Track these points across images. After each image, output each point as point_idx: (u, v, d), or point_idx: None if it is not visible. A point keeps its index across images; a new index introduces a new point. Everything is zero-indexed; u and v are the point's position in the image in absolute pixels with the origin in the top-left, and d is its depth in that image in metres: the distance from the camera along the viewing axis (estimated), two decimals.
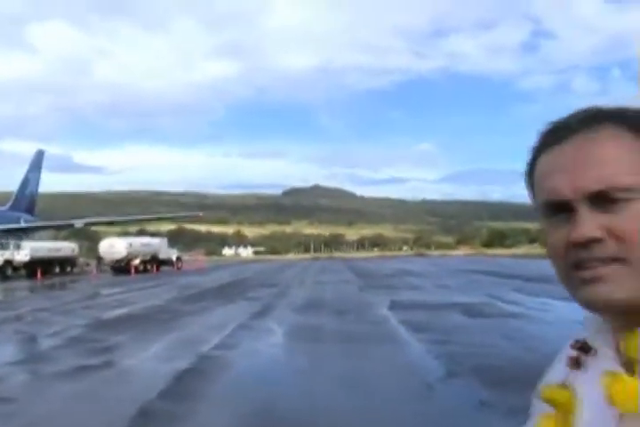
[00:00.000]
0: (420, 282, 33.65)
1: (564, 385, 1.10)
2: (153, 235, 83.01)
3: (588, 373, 1.08)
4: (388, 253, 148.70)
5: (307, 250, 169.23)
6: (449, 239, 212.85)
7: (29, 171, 78.26)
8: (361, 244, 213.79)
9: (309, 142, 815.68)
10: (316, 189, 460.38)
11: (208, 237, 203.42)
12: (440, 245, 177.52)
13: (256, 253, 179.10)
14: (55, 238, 70.99)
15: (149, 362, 11.74)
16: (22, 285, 41.03)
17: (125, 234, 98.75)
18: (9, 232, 59.25)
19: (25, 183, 77.12)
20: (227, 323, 16.93)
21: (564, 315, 17.93)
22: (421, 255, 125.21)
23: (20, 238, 57.66)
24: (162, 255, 63.81)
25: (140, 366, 11.38)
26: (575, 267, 1.00)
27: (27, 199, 77.10)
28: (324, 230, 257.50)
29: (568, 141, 1.04)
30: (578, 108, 1.08)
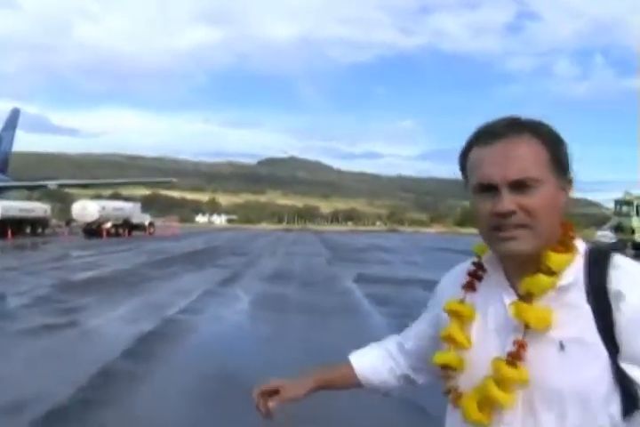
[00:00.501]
0: (389, 257, 33.94)
1: (462, 300, 1.76)
2: (127, 199, 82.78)
3: (481, 294, 1.75)
4: (361, 228, 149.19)
5: (280, 221, 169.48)
6: (423, 216, 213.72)
7: (3, 129, 77.37)
8: (335, 217, 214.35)
9: (288, 113, 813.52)
10: (293, 161, 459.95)
11: (182, 204, 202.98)
12: (413, 222, 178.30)
13: (229, 221, 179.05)
14: (28, 199, 70.60)
15: (114, 323, 11.89)
16: None
17: (98, 197, 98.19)
18: None
19: None
20: (194, 289, 17.09)
21: None
22: (394, 231, 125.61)
23: None
24: (134, 220, 63.81)
25: (104, 327, 11.52)
26: (495, 229, 1.59)
27: None
28: (299, 202, 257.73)
29: (499, 141, 1.60)
30: (504, 116, 1.67)
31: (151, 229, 66.37)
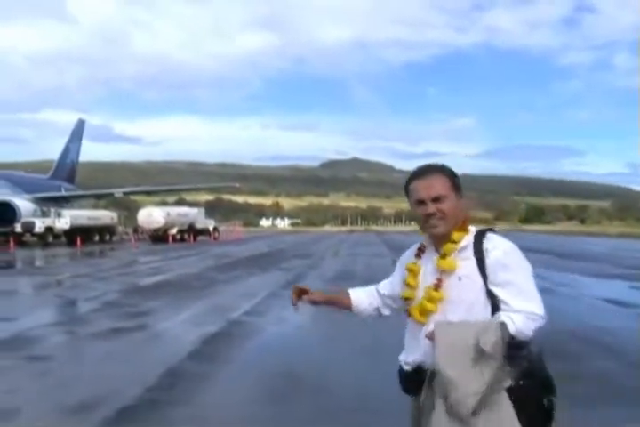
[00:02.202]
0: None
1: (414, 263, 3.28)
2: (191, 205, 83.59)
3: (423, 259, 3.27)
4: None
5: (343, 222, 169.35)
6: (486, 215, 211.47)
7: (70, 140, 79.07)
8: (398, 217, 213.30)
9: (346, 115, 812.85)
10: (355, 162, 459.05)
11: (245, 209, 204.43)
12: (477, 221, 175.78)
13: (293, 224, 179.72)
14: (95, 207, 72.02)
15: (180, 326, 12.12)
16: (62, 252, 41.85)
17: (163, 204, 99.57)
18: (50, 200, 60.28)
19: (66, 152, 78.00)
20: (258, 291, 17.29)
21: (590, 291, 18.06)
22: None
23: (61, 207, 58.62)
24: (199, 225, 64.50)
25: (171, 329, 11.76)
26: (426, 222, 3.13)
27: (67, 168, 78.06)
28: (362, 203, 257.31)
29: (423, 177, 3.15)
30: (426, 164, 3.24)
31: (216, 234, 66.96)
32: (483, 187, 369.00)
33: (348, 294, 3.66)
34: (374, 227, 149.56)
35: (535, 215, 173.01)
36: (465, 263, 3.08)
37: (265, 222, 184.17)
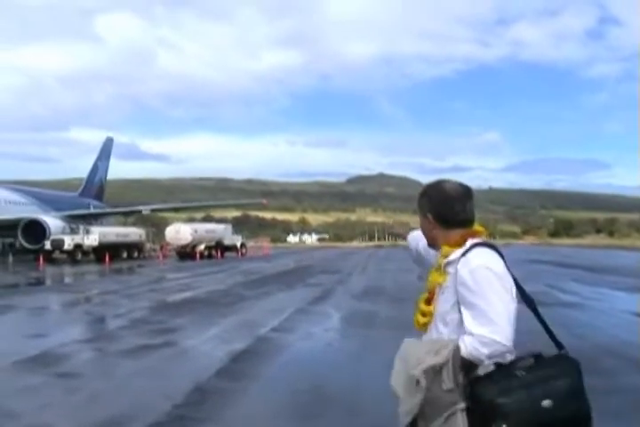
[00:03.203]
0: None
1: (432, 271, 3.28)
2: (219, 221, 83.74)
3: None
4: None
5: (371, 238, 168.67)
6: (515, 228, 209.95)
7: (99, 158, 79.82)
8: None
9: (372, 131, 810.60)
10: (381, 177, 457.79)
11: (273, 225, 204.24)
12: (505, 234, 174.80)
13: (320, 240, 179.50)
14: (123, 224, 72.42)
15: (208, 343, 12.14)
16: (91, 269, 42.07)
17: (191, 220, 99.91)
18: (79, 218, 60.80)
19: (94, 170, 78.76)
20: (286, 307, 17.31)
21: (619, 305, 17.89)
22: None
23: (90, 224, 59.08)
24: (226, 241, 64.50)
25: (199, 346, 11.78)
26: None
27: (96, 186, 78.81)
28: (389, 218, 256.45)
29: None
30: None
31: (243, 250, 67.01)
32: (510, 201, 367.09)
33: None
34: (402, 242, 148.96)
35: (563, 229, 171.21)
36: (449, 278, 3.10)
37: (292, 238, 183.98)
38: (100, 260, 50.13)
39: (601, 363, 9.50)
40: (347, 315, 16.10)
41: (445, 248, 3.19)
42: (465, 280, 3.01)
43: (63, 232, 53.31)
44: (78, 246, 51.33)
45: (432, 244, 3.36)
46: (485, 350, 2.89)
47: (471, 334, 2.93)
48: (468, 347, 2.92)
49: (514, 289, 3.07)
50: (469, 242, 3.15)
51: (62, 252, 51.65)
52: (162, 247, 63.27)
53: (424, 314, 3.24)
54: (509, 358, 2.96)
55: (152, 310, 17.55)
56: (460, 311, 3.04)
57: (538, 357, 3.02)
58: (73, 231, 53.15)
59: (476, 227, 3.28)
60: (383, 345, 10.87)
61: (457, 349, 2.92)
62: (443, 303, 3.13)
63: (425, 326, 3.25)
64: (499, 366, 2.94)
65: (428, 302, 3.22)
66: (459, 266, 3.05)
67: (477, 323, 2.93)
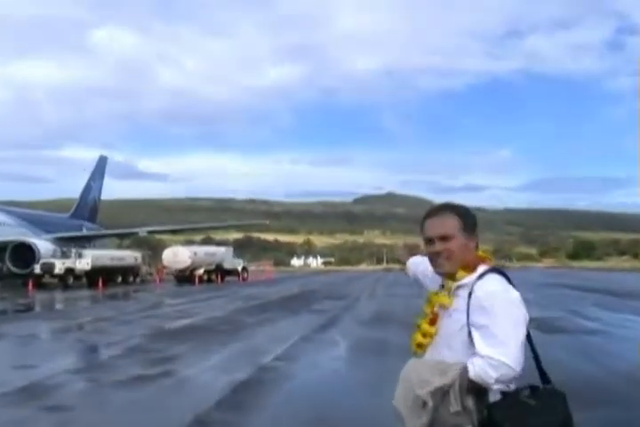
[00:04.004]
0: None
1: (436, 293, 3.43)
2: (219, 244, 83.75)
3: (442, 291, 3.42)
4: None
5: (379, 261, 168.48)
6: (532, 250, 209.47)
7: (92, 177, 79.82)
8: None
9: (380, 148, 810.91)
10: (390, 197, 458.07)
11: (276, 247, 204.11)
12: (522, 257, 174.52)
13: (326, 263, 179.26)
14: (118, 247, 72.49)
15: (208, 372, 12.09)
16: (84, 294, 42.06)
17: (190, 243, 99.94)
18: (71, 240, 60.82)
19: (87, 190, 78.74)
20: (290, 335, 17.25)
21: None
22: (501, 267, 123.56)
23: (83, 246, 59.10)
24: (227, 265, 64.39)
25: (198, 376, 11.73)
26: (432, 260, 3.41)
27: (89, 207, 78.77)
28: (398, 241, 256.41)
29: (435, 216, 3.39)
30: (441, 203, 3.56)
31: (244, 275, 66.87)
32: (526, 221, 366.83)
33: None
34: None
35: (584, 251, 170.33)
36: (458, 300, 3.26)
37: (296, 261, 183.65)
38: (92, 285, 50.12)
39: (623, 394, 9.43)
40: (354, 343, 16.07)
41: (460, 272, 3.31)
42: (480, 302, 3.14)
43: (54, 256, 53.32)
44: (70, 271, 51.25)
45: (438, 270, 3.45)
46: (494, 373, 3.00)
47: (480, 355, 3.04)
48: (476, 368, 3.03)
49: (527, 317, 3.19)
50: (482, 267, 3.32)
51: (53, 276, 51.56)
52: (159, 271, 63.26)
53: (425, 335, 3.38)
54: (512, 386, 3.09)
55: (148, 337, 17.49)
56: (468, 335, 3.15)
57: (534, 388, 3.16)
58: (64, 255, 53.11)
59: (481, 252, 3.48)
60: (393, 374, 10.83)
61: (464, 370, 3.04)
62: (448, 326, 3.27)
63: (422, 348, 3.40)
64: (504, 394, 3.06)
65: (432, 322, 3.36)
66: (475, 288, 3.19)
67: (487, 344, 3.05)
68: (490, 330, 3.06)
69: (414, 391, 3.07)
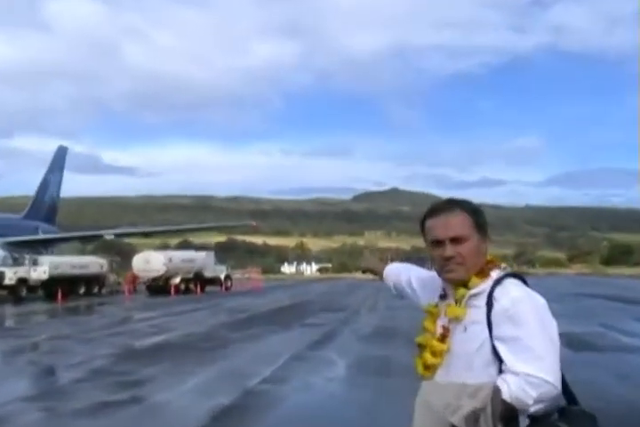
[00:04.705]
0: None
1: (436, 305, 3.45)
2: (198, 248, 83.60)
3: (445, 302, 3.38)
4: None
5: None
6: (559, 255, 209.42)
7: (49, 172, 79.35)
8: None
9: (383, 138, 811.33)
10: (395, 194, 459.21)
11: (264, 252, 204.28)
12: (547, 262, 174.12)
13: (322, 270, 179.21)
14: (81, 253, 72.29)
15: (185, 398, 12.04)
16: (40, 308, 41.95)
17: (165, 247, 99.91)
18: (24, 245, 60.25)
19: (44, 187, 78.25)
20: (280, 353, 17.29)
21: None
22: (523, 275, 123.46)
23: (39, 252, 58.70)
24: (207, 273, 64.27)
25: (174, 402, 11.68)
26: (443, 266, 3.29)
27: (46, 205, 78.28)
28: (405, 243, 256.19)
29: (441, 215, 3.33)
30: (445, 199, 3.49)
31: (228, 284, 66.77)
32: (553, 221, 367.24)
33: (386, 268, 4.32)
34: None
35: (620, 255, 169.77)
36: (474, 311, 3.20)
37: (288, 268, 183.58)
38: (50, 297, 49.88)
39: None
40: (354, 362, 16.08)
41: (474, 279, 3.26)
42: (507, 312, 3.08)
43: (3, 263, 52.91)
44: (23, 281, 50.90)
45: (450, 277, 3.35)
46: (533, 392, 2.92)
47: (515, 373, 2.97)
48: (512, 388, 2.95)
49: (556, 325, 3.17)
50: (495, 272, 3.30)
51: (2, 287, 51.30)
52: (128, 281, 63.14)
53: (435, 353, 3.30)
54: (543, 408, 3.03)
55: (115, 358, 17.44)
56: (492, 351, 3.09)
57: (561, 410, 3.09)
58: (16, 262, 52.76)
59: (490, 256, 3.43)
60: (398, 397, 10.81)
61: (497, 391, 2.95)
62: (465, 343, 3.19)
63: (432, 369, 3.32)
64: (533, 418, 3.01)
65: (442, 339, 3.29)
66: (496, 296, 3.15)
67: (521, 359, 2.98)
68: (523, 343, 3.00)
69: (442, 418, 3.00)
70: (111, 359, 17.14)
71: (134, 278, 62.65)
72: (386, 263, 4.39)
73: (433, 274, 3.61)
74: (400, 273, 4.08)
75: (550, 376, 2.94)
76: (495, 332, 3.07)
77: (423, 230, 3.41)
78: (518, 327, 3.02)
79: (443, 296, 3.42)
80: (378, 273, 4.37)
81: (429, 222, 3.36)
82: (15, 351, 19.87)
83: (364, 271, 4.66)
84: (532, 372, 2.93)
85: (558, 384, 2.97)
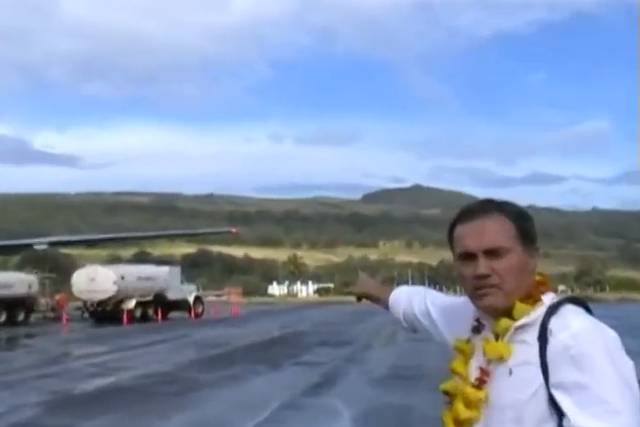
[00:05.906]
0: None
1: (468, 340, 3.26)
2: (160, 262, 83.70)
3: (480, 336, 3.18)
4: None
5: None
6: (636, 274, 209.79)
7: None
8: None
9: (402, 121, 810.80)
10: (417, 193, 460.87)
11: (247, 267, 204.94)
12: (620, 284, 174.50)
13: (320, 292, 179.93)
14: (2, 267, 72.26)
15: None
16: None
17: (116, 260, 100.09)
18: None
19: None
20: (266, 400, 17.32)
21: None
22: (587, 300, 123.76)
23: None
24: (171, 295, 64.40)
25: None
26: (475, 288, 3.06)
27: None
28: (430, 258, 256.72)
29: (475, 219, 3.11)
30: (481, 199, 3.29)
31: (198, 309, 66.92)
32: (627, 230, 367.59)
33: (389, 297, 4.29)
34: (452, 294, 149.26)
35: None
36: (522, 349, 2.99)
37: (277, 289, 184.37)
38: None
39: None
40: (363, 412, 16.01)
41: (520, 306, 3.04)
42: (567, 350, 2.84)
43: None
44: None
45: (484, 304, 3.14)
46: None
47: None
48: None
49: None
50: (548, 297, 3.11)
51: None
52: (62, 304, 63.04)
53: (470, 404, 3.09)
54: None
55: (46, 407, 17.45)
56: (549, 402, 2.88)
57: None
58: None
59: (539, 276, 3.24)
60: None
61: None
62: (510, 391, 2.96)
63: (466, 425, 3.13)
64: None
65: (480, 385, 3.07)
66: (552, 329, 2.92)
67: (591, 414, 2.77)
68: (591, 392, 2.78)
69: None
70: (41, 409, 17.13)
71: (73, 302, 62.63)
72: (390, 287, 4.35)
73: (458, 300, 3.61)
74: (411, 299, 4.00)
75: None
76: (553, 377, 2.85)
77: (451, 240, 3.23)
78: (584, 372, 2.81)
79: (476, 329, 3.26)
80: (380, 300, 4.33)
81: (459, 230, 3.17)
82: None
83: (358, 298, 4.56)
84: None
85: None
